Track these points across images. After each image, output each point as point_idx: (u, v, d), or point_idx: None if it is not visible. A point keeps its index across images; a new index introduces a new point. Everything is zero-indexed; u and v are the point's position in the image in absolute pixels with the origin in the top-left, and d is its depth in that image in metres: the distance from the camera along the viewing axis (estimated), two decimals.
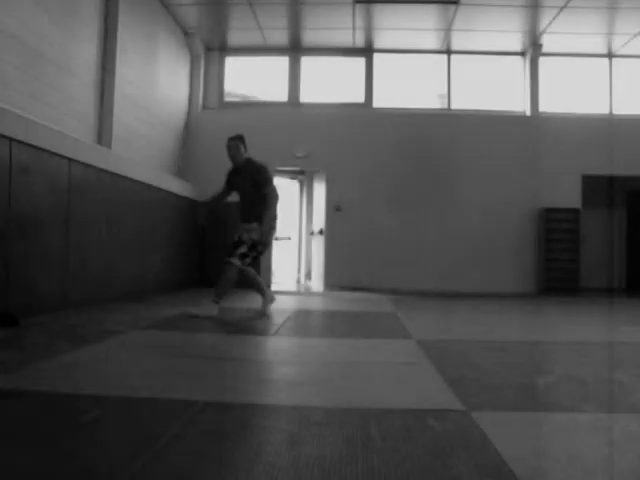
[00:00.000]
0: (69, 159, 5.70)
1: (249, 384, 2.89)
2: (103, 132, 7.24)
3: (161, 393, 2.62)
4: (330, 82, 11.13)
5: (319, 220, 10.94)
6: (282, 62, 11.04)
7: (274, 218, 5.70)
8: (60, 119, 6.21)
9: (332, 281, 10.31)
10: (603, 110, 10.80)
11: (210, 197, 6.22)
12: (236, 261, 5.53)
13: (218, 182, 10.48)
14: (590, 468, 1.78)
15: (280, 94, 11.04)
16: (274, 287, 10.35)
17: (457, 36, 10.14)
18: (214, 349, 3.86)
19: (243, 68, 11.25)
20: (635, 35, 9.70)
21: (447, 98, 10.94)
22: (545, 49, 10.50)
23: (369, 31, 10.12)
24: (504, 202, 10.47)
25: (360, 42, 10.57)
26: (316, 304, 7.73)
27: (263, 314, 5.84)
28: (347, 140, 10.57)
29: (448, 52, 10.88)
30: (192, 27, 10.09)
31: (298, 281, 12.04)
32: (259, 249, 5.66)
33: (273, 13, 9.37)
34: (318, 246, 10.98)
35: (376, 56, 10.95)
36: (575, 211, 10.31)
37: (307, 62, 11.04)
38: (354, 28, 9.89)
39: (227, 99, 11.11)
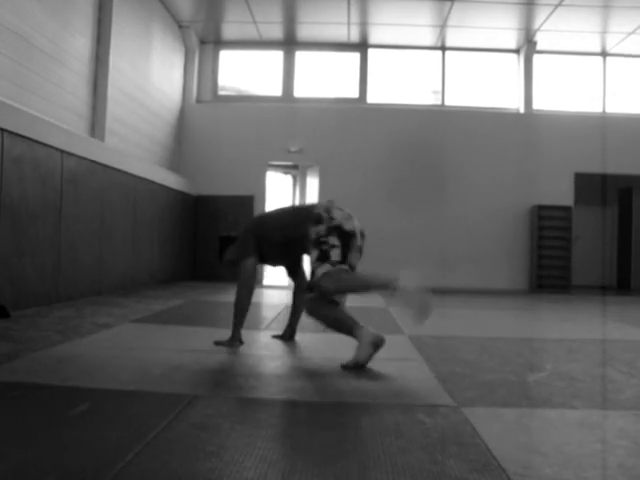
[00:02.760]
0: (62, 151, 5.68)
1: (239, 378, 2.88)
2: (96, 124, 7.21)
3: (151, 386, 2.62)
4: (324, 77, 11.11)
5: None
6: (276, 56, 11.02)
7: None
8: (53, 111, 6.18)
9: None
10: (596, 108, 10.83)
11: None
12: None
13: (212, 175, 10.53)
14: (580, 464, 1.79)
15: (274, 88, 11.02)
16: (266, 282, 10.33)
17: (452, 32, 10.13)
18: (205, 343, 3.85)
19: (237, 62, 11.21)
20: (629, 34, 9.73)
21: (441, 94, 10.94)
22: (539, 47, 10.51)
23: (364, 26, 10.10)
24: (497, 199, 10.49)
25: (355, 37, 10.55)
26: None
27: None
28: (341, 135, 10.57)
29: (443, 48, 10.87)
30: (187, 20, 10.04)
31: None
32: None
33: (268, 7, 9.34)
34: None
35: (371, 51, 10.94)
36: (567, 209, 10.33)
37: (301, 57, 11.01)
38: (349, 23, 9.87)
39: (221, 93, 11.08)
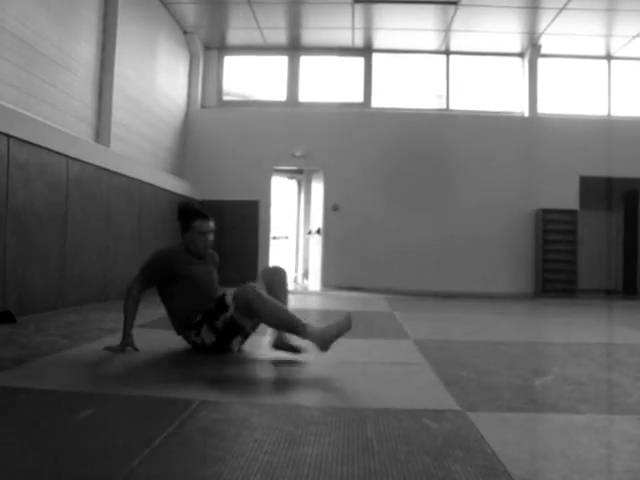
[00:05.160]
0: (67, 157, 5.70)
1: (246, 383, 2.88)
2: (101, 130, 7.23)
3: (157, 391, 2.62)
4: (329, 82, 11.12)
5: (317, 219, 10.94)
6: (281, 61, 11.03)
7: None
8: (58, 117, 6.20)
9: (329, 281, 10.31)
10: (601, 112, 10.80)
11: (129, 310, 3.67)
12: None
13: (216, 180, 10.55)
14: (586, 469, 1.79)
15: (279, 93, 11.03)
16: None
17: (456, 37, 10.13)
18: None
19: (242, 67, 11.23)
20: (633, 37, 9.71)
21: (446, 98, 10.94)
22: (544, 50, 10.50)
23: (368, 31, 10.11)
24: (502, 203, 10.47)
25: (359, 42, 10.57)
26: (313, 303, 7.72)
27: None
28: (345, 140, 10.57)
29: (447, 52, 10.87)
30: (191, 26, 10.07)
31: (295, 280, 12.04)
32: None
33: (272, 12, 9.36)
34: (316, 245, 10.98)
35: (375, 56, 10.94)
36: (572, 212, 10.30)
37: (306, 62, 11.03)
38: (353, 28, 9.88)
39: (226, 98, 11.10)
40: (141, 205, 7.65)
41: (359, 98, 10.92)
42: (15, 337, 3.92)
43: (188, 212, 3.87)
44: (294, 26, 10.01)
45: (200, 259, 3.85)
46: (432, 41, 10.40)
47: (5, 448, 1.85)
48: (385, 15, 9.38)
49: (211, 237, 3.85)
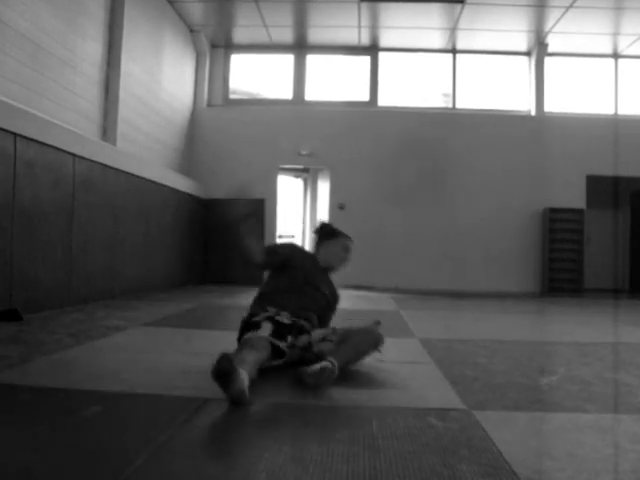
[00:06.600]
0: (74, 155, 5.71)
1: (251, 381, 2.87)
2: (108, 128, 7.25)
3: (163, 390, 2.62)
4: (335, 80, 11.11)
5: (323, 218, 10.93)
6: (287, 60, 11.03)
7: None
8: (65, 115, 6.22)
9: (336, 279, 10.28)
10: (608, 110, 10.76)
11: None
12: None
13: (223, 179, 10.55)
14: (592, 468, 1.78)
15: (285, 92, 11.04)
16: None
17: (462, 35, 10.11)
18: (216, 346, 3.85)
19: (248, 65, 11.24)
20: None
21: (452, 97, 10.92)
22: (551, 49, 10.47)
23: (374, 29, 10.10)
24: (508, 201, 10.44)
25: (365, 40, 10.55)
26: None
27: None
28: (351, 138, 10.57)
29: (453, 51, 10.85)
30: (198, 24, 10.08)
31: None
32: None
33: (279, 11, 9.36)
34: None
35: (381, 54, 10.93)
36: (579, 211, 10.27)
37: (312, 60, 11.02)
38: (359, 26, 9.87)
39: (232, 96, 11.11)
40: (147, 203, 7.66)
41: (365, 97, 10.91)
42: (21, 335, 3.93)
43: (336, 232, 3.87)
44: (300, 24, 10.01)
45: (324, 273, 3.77)
46: (438, 40, 10.38)
47: (10, 446, 1.86)
48: (391, 13, 9.36)
49: (346, 260, 3.88)
